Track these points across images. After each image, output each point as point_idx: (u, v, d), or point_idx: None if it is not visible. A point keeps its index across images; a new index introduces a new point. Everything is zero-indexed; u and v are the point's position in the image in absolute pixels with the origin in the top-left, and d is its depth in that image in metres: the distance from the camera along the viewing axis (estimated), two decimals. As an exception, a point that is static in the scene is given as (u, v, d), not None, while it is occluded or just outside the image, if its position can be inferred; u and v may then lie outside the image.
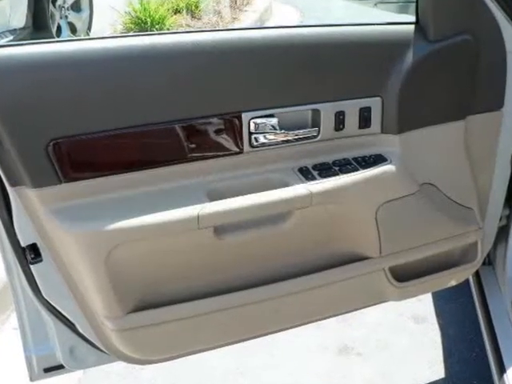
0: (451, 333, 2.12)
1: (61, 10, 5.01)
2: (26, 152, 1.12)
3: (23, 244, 1.22)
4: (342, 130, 1.33)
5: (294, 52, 1.26)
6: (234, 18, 5.93)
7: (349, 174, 1.32)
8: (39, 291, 1.27)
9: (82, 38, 1.19)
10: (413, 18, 1.36)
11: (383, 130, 1.36)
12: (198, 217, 1.20)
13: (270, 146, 1.29)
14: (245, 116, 1.25)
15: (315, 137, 1.32)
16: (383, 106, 1.34)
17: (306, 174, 1.31)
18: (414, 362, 2.00)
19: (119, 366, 1.80)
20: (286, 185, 1.29)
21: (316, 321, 1.54)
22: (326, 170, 1.32)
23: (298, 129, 1.30)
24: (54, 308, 1.30)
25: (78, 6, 5.18)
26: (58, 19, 4.96)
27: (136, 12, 5.00)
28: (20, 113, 1.10)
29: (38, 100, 1.11)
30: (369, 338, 2.11)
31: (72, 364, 1.38)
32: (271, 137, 1.28)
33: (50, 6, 4.77)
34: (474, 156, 1.46)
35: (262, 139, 1.28)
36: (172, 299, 1.30)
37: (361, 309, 1.58)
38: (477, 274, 1.81)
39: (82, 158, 1.19)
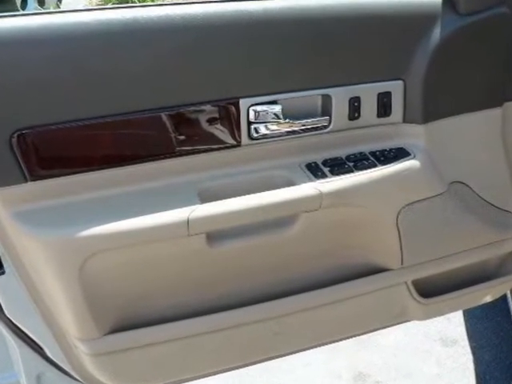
0: (486, 357, 2.12)
1: (26, -22, 5.02)
2: (-15, 145, 1.12)
3: (-18, 253, 1.22)
4: (357, 119, 1.33)
5: (301, 28, 1.26)
6: (230, -13, 5.93)
7: (365, 171, 1.32)
8: (1, 309, 1.27)
9: (52, 11, 1.19)
10: (440, -12, 1.36)
11: (406, 119, 1.37)
12: (188, 221, 1.21)
13: (272, 137, 1.29)
14: (243, 102, 1.25)
15: (326, 127, 1.32)
16: (405, 90, 1.34)
17: (315, 170, 1.32)
18: (442, 391, 2.01)
19: (95, 396, 1.80)
20: (291, 183, 1.30)
21: (326, 344, 1.54)
22: (338, 166, 1.33)
23: (306, 118, 1.31)
24: (19, 328, 1.30)
25: (47, -28, 5.20)
26: (23, -11, 4.97)
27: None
28: (-22, 99, 1.10)
29: (-1, 84, 1.11)
30: (388, 363, 2.11)
31: (39, 394, 1.38)
32: (274, 127, 1.28)
33: (14, -28, 4.78)
34: (512, 150, 1.47)
35: (263, 130, 1.28)
36: (157, 318, 1.30)
37: (379, 329, 1.59)
38: (516, 289, 1.81)
39: (52, 152, 1.19)
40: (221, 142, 1.27)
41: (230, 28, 1.21)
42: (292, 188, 1.29)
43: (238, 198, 1.26)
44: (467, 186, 1.44)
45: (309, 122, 1.31)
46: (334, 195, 1.29)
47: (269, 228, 1.31)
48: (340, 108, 1.31)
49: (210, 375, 1.46)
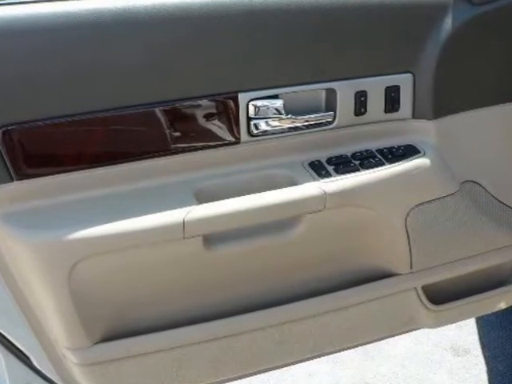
0: (500, 368, 2.12)
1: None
2: (-32, 142, 1.12)
3: (-35, 258, 1.22)
4: (363, 114, 1.33)
5: (304, 17, 1.26)
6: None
7: (372, 170, 1.32)
8: (-15, 316, 1.27)
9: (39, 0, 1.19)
10: (452, -25, 1.36)
11: (415, 115, 1.37)
12: (184, 223, 1.20)
13: (273, 134, 1.29)
14: (242, 97, 1.25)
15: (330, 123, 1.32)
16: (415, 84, 1.34)
17: (319, 169, 1.31)
18: (454, 404, 2.00)
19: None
20: (293, 183, 1.30)
21: (331, 353, 1.54)
22: (343, 164, 1.33)
23: (309, 113, 1.31)
24: (4, 337, 1.30)
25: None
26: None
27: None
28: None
29: (-18, 78, 1.11)
30: (397, 374, 2.11)
31: (26, 407, 1.38)
32: (275, 123, 1.28)
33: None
34: (529, 147, 1.47)
35: (263, 126, 1.28)
36: (151, 326, 1.30)
37: (386, 338, 1.58)
38: (532, 295, 1.81)
39: (40, 149, 1.18)
40: (218, 138, 1.27)
41: (229, 18, 1.21)
42: (294, 188, 1.28)
43: (237, 198, 1.26)
44: (480, 185, 1.44)
45: (312, 118, 1.31)
46: (339, 195, 1.29)
47: (269, 230, 1.31)
48: (345, 103, 1.31)
49: (207, 387, 1.46)
